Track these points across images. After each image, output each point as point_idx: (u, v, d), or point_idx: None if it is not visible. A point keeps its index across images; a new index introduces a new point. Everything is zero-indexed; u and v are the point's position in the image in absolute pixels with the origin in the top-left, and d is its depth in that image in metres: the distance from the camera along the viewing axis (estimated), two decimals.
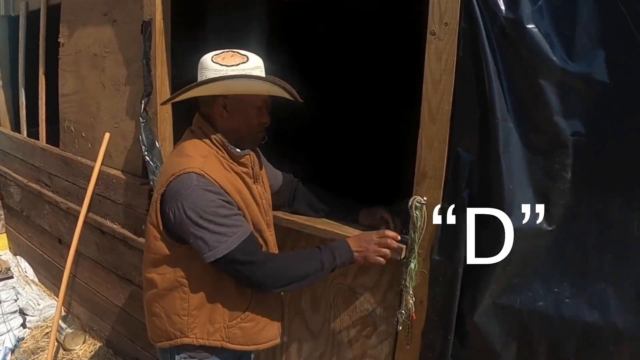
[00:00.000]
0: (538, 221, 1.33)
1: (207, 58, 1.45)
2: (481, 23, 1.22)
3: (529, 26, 1.17)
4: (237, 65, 1.43)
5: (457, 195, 1.44)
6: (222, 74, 1.41)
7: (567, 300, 1.39)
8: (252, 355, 2.03)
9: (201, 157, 1.49)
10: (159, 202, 1.52)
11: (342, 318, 2.03)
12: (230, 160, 1.54)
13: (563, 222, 1.34)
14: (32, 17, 3.51)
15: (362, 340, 2.00)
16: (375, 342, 1.95)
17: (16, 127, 3.99)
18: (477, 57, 1.23)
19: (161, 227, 1.53)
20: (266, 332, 1.81)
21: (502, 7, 1.15)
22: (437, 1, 1.27)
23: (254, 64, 1.46)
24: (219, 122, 1.54)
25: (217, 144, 1.54)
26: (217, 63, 1.42)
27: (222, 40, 2.53)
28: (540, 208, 1.33)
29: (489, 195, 1.36)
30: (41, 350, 3.48)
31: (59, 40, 3.11)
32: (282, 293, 1.87)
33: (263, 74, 1.49)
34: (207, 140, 1.54)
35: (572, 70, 1.15)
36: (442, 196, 1.47)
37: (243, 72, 1.42)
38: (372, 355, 2.00)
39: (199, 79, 1.45)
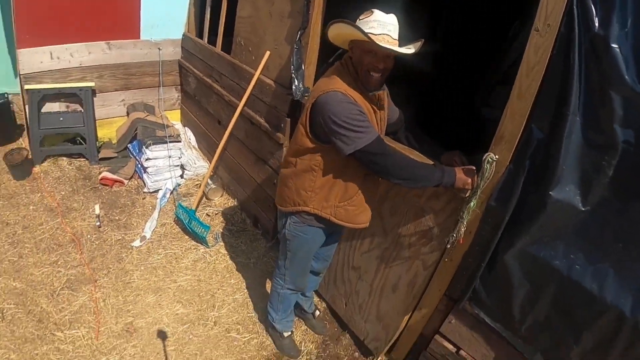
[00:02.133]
0: (576, 200, 1.51)
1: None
2: (577, 32, 1.36)
3: (613, 45, 1.30)
4: (361, 18, 1.78)
5: (522, 161, 1.62)
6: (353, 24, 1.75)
7: (577, 267, 1.59)
8: (344, 230, 2.49)
9: (345, 83, 1.86)
10: (309, 109, 1.93)
11: (409, 227, 2.33)
12: (363, 89, 1.90)
13: (594, 208, 1.50)
14: None
15: (418, 247, 2.32)
16: (426, 251, 2.27)
17: (199, 35, 4.50)
18: (567, 58, 1.38)
19: (308, 128, 1.96)
20: (361, 217, 2.23)
21: (596, 24, 1.29)
22: (545, 5, 1.41)
23: (374, 18, 1.75)
24: (352, 60, 1.90)
25: (354, 77, 1.90)
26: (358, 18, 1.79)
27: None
28: (580, 191, 1.50)
29: (546, 168, 1.54)
30: (190, 196, 4.33)
31: None
32: (378, 194, 2.26)
33: (381, 27, 1.73)
34: (348, 72, 1.90)
35: (638, 90, 1.27)
36: (511, 158, 1.67)
37: (362, 24, 1.75)
38: (422, 259, 2.33)
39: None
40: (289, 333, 3.03)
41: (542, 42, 1.44)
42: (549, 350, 1.90)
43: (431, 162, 1.99)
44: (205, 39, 4.33)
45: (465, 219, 1.87)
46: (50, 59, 4.15)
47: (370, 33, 1.71)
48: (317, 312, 3.22)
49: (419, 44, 1.81)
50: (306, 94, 2.81)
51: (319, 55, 2.79)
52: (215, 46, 4.06)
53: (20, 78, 4.24)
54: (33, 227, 3.80)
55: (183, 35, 4.66)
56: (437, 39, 4.23)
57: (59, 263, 3.51)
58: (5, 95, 4.73)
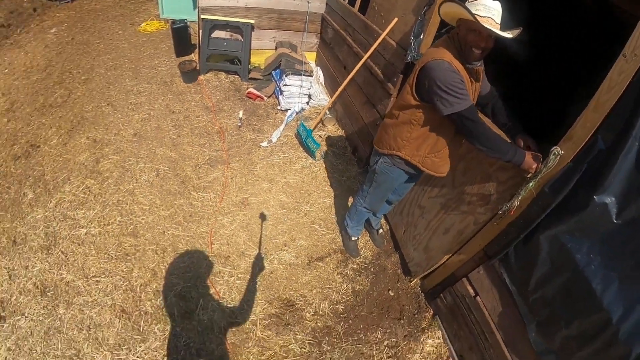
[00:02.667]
0: (612, 212, 1.53)
1: None
2: None
3: None
4: (470, 1, 1.87)
5: (581, 162, 1.65)
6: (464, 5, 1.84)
7: (592, 266, 1.64)
8: (422, 175, 2.56)
9: (450, 54, 1.96)
10: (417, 72, 2.07)
11: (473, 188, 2.42)
12: (464, 62, 1.99)
13: (625, 224, 1.52)
14: None
15: (475, 206, 2.42)
16: (481, 211, 2.37)
17: None
18: None
19: (413, 88, 2.10)
20: (443, 167, 2.37)
21: None
22: (637, 36, 1.42)
23: (481, 2, 1.83)
24: (459, 36, 1.98)
25: (458, 50, 1.99)
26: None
27: None
28: (618, 205, 1.53)
29: (598, 175, 1.55)
30: (310, 119, 4.80)
31: None
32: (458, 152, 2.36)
33: (486, 10, 1.81)
34: (454, 46, 2.00)
35: None
36: (572, 157, 1.69)
37: (470, 5, 1.83)
38: (475, 216, 2.42)
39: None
40: (356, 238, 3.41)
41: (627, 67, 1.47)
42: (543, 324, 2.01)
43: (508, 140, 2.07)
44: (346, 1, 4.51)
45: (521, 195, 1.94)
46: None
47: (477, 15, 1.80)
48: (381, 231, 3.54)
49: (517, 31, 1.89)
50: (417, 58, 2.95)
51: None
52: (353, 7, 4.29)
53: (198, 10, 5.00)
54: (192, 117, 4.68)
55: None
56: (534, 32, 4.05)
57: (205, 146, 4.32)
58: (186, 21, 5.71)
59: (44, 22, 7.76)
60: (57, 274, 3.23)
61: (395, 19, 3.35)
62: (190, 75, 5.25)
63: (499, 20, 1.84)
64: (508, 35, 1.83)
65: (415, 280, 3.27)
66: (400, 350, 2.92)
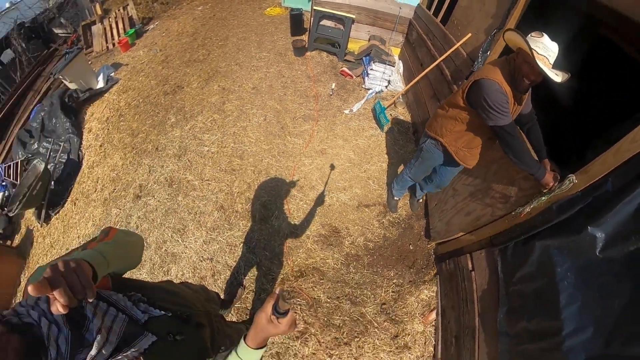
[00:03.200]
0: (598, 245, 1.44)
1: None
2: None
3: None
4: (533, 36, 1.78)
5: (588, 195, 1.55)
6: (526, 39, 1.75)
7: (565, 282, 1.58)
8: (458, 165, 2.49)
9: (502, 76, 1.88)
10: (471, 82, 2.00)
11: (498, 187, 2.34)
12: (513, 86, 1.91)
13: (606, 259, 1.42)
14: None
15: (496, 201, 2.35)
16: (499, 207, 2.29)
17: (428, 8, 4.67)
18: None
19: (465, 93, 2.06)
20: (471, 161, 2.36)
21: None
22: None
23: (542, 41, 1.73)
24: (515, 62, 1.89)
25: (511, 74, 1.90)
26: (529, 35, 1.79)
27: (549, 27, 2.30)
28: (605, 242, 1.42)
29: (599, 209, 1.45)
30: (385, 100, 4.82)
31: None
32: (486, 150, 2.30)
33: (544, 50, 1.71)
34: (508, 69, 1.91)
35: None
36: (583, 188, 1.60)
37: (531, 40, 1.74)
38: (493, 209, 2.35)
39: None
40: (397, 199, 3.49)
41: None
42: (512, 311, 1.96)
43: (536, 158, 2.01)
44: (431, 12, 4.48)
45: (533, 204, 1.88)
46: None
47: (535, 51, 1.72)
48: (420, 200, 3.59)
49: (566, 76, 1.76)
50: None
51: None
52: (436, 18, 4.25)
53: (312, 2, 5.33)
54: (296, 82, 5.01)
55: (418, 4, 4.96)
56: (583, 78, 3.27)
57: (302, 105, 4.63)
58: (301, 10, 6.06)
59: (193, 2, 8.59)
60: (182, 174, 3.83)
61: (469, 34, 3.31)
62: (300, 50, 5.56)
63: (552, 61, 1.76)
64: (557, 78, 1.74)
65: (432, 243, 3.28)
66: (402, 290, 3.03)
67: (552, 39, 1.77)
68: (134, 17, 7.81)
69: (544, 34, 1.76)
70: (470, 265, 2.53)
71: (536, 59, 1.71)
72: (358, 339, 2.81)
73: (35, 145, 5.24)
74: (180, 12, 7.94)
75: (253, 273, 3.09)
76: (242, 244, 3.27)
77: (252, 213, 3.47)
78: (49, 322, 0.86)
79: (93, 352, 0.92)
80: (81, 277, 0.82)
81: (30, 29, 11.03)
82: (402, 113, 4.70)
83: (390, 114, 4.53)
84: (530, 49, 1.72)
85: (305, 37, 5.99)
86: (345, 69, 5.17)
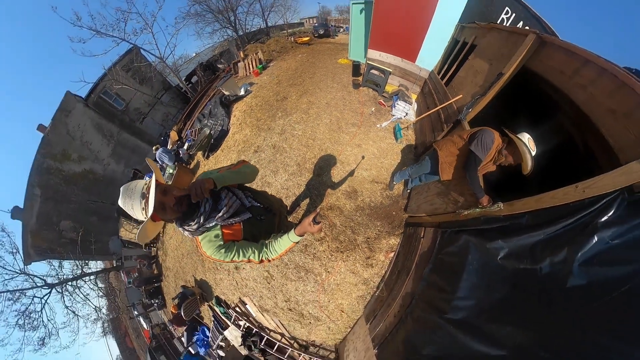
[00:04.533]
0: (500, 254, 1.25)
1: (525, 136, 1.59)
2: None
3: None
4: (518, 136, 1.58)
5: (507, 220, 1.35)
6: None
7: (470, 267, 1.40)
8: (438, 174, 2.12)
9: (499, 139, 1.70)
10: (473, 131, 1.81)
11: (454, 194, 2.03)
12: (497, 153, 1.72)
13: (499, 268, 1.26)
14: None
15: (450, 202, 2.11)
16: (451, 205, 2.08)
17: (438, 72, 4.03)
18: None
19: (471, 132, 1.85)
20: (446, 175, 2.04)
21: None
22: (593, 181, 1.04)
23: (527, 144, 1.53)
24: (506, 143, 1.71)
25: (503, 143, 1.72)
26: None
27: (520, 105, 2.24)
28: (507, 256, 1.24)
29: (512, 232, 1.26)
30: (402, 124, 4.20)
31: None
32: None
33: (529, 152, 1.50)
34: (501, 139, 1.72)
35: None
36: (505, 214, 1.35)
37: (523, 137, 1.56)
38: (447, 205, 2.12)
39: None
40: (395, 183, 3.34)
41: (572, 193, 1.13)
42: (432, 270, 1.79)
43: (482, 187, 1.78)
44: (440, 76, 3.99)
45: (470, 211, 1.77)
46: (379, 55, 4.82)
47: (526, 148, 1.53)
48: (408, 191, 3.28)
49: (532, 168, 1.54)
50: (464, 119, 2.63)
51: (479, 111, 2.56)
52: (442, 80, 3.79)
53: (366, 58, 5.01)
54: (352, 103, 4.78)
55: (432, 70, 4.38)
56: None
57: (353, 116, 4.42)
58: (359, 62, 5.80)
59: (296, 52, 8.79)
60: (280, 143, 4.22)
61: (461, 95, 3.01)
62: (356, 85, 5.38)
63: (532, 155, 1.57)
64: (529, 167, 1.54)
65: (406, 215, 3.15)
66: (381, 234, 3.02)
67: (535, 139, 1.59)
68: (262, 58, 8.40)
69: (529, 137, 1.59)
70: (422, 234, 2.42)
71: (526, 164, 1.54)
72: (348, 252, 3.06)
73: (206, 121, 6.11)
74: (288, 57, 8.30)
75: (306, 201, 3.46)
76: (305, 185, 3.62)
77: (313, 170, 3.76)
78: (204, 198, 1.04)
79: (220, 214, 1.08)
80: (202, 187, 0.97)
81: (205, 65, 13.21)
82: (411, 134, 4.39)
83: (404, 134, 4.29)
84: (524, 152, 1.54)
85: (360, 78, 5.55)
86: (381, 100, 4.93)
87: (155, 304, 6.53)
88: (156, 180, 0.96)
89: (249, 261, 1.06)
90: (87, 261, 8.65)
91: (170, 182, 4.75)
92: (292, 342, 3.04)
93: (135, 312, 8.06)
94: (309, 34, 10.75)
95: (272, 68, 7.68)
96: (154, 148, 6.69)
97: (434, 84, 4.27)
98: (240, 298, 3.65)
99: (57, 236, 8.44)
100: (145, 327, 7.94)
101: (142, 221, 0.93)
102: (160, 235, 6.25)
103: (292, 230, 1.07)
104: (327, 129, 4.34)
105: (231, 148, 4.96)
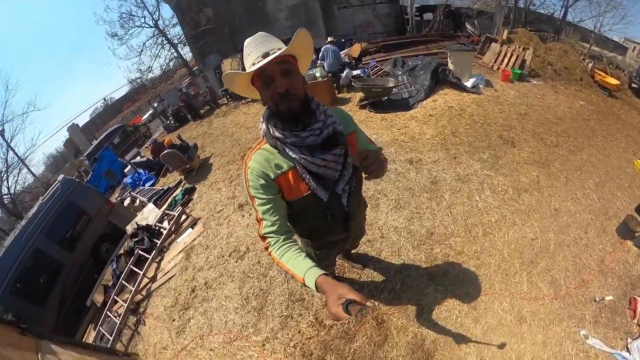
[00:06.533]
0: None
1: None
2: None
3: None
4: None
5: None
6: None
7: None
8: None
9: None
10: None
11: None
12: None
13: None
14: None
15: None
16: None
17: None
18: None
19: None
20: None
21: None
22: None
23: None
24: None
25: None
26: None
27: None
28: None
29: None
30: None
31: None
32: None
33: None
34: None
35: None
36: None
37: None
38: None
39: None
40: None
41: None
42: None
43: None
44: None
45: None
46: None
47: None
48: None
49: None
50: None
51: None
52: None
53: None
54: (590, 246, 2.92)
55: None
56: None
57: (572, 261, 2.69)
58: None
59: (581, 93, 6.78)
60: (441, 176, 3.26)
61: None
62: (627, 232, 3.49)
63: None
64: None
65: None
66: None
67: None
68: (526, 63, 6.92)
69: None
70: None
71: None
72: None
73: (400, 73, 5.82)
74: (567, 92, 6.48)
75: (385, 280, 2.54)
76: (412, 259, 2.57)
77: (438, 259, 2.57)
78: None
79: (311, 157, 1.09)
80: (379, 163, 1.04)
81: (451, 12, 12.97)
82: None
83: None
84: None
85: None
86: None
87: (171, 122, 9.92)
88: (293, 57, 0.98)
89: (259, 222, 1.03)
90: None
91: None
92: None
93: (153, 111, 14.13)
94: (623, 77, 7.69)
95: (530, 86, 6.39)
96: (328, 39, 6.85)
97: None
98: (195, 218, 4.25)
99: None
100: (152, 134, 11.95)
101: (242, 71, 0.96)
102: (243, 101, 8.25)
103: (319, 272, 0.89)
104: (527, 243, 2.85)
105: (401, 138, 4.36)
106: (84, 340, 3.29)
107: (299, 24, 13.61)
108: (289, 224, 1.09)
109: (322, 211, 1.14)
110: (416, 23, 12.23)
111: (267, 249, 1.02)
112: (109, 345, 3.12)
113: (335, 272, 2.37)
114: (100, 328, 3.58)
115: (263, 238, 1.03)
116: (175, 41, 14.79)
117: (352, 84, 5.51)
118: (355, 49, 7.39)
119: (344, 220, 1.22)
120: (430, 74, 5.41)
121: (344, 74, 5.93)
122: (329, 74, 5.69)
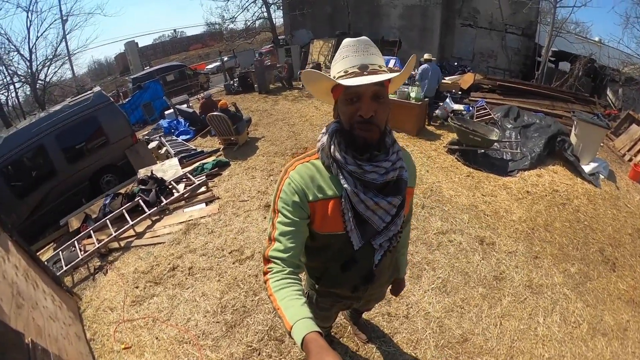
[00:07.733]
0: None
1: None
2: None
3: None
4: None
5: None
6: None
7: None
8: None
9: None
10: None
11: None
12: None
13: None
14: None
15: None
16: None
17: None
18: None
19: None
20: None
21: None
22: None
23: None
24: None
25: None
26: None
27: None
28: None
29: None
30: None
31: None
32: None
33: None
34: None
35: None
36: None
37: None
38: None
39: None
40: None
41: None
42: None
43: None
44: None
45: None
46: None
47: None
48: None
49: None
50: None
51: None
52: None
53: None
54: None
55: None
56: None
57: None
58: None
59: None
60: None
61: None
62: None
63: None
64: None
65: None
66: None
67: None
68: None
69: None
70: None
71: None
72: None
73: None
74: None
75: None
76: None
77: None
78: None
79: (354, 183, 1.07)
80: None
81: (593, 70, 12.04)
82: None
83: None
84: None
85: None
86: None
87: (234, 84, 10.99)
88: (389, 80, 0.92)
89: (270, 242, 1.02)
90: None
91: None
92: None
93: (220, 64, 15.98)
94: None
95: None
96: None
97: None
98: (214, 196, 4.49)
99: None
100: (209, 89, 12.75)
101: (326, 75, 0.97)
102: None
103: (313, 327, 0.83)
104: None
105: None
106: (38, 254, 3.32)
107: (411, 28, 13.35)
108: (301, 258, 1.07)
109: (346, 259, 1.13)
110: (548, 70, 11.45)
111: (265, 274, 0.98)
112: (58, 274, 3.13)
113: (332, 330, 2.31)
114: (60, 252, 3.67)
115: (267, 261, 1.00)
116: (270, 0, 15.44)
117: (450, 120, 5.34)
118: (467, 79, 7.13)
119: (364, 279, 1.19)
120: (545, 140, 5.06)
121: (442, 104, 5.77)
122: (425, 99, 5.57)
